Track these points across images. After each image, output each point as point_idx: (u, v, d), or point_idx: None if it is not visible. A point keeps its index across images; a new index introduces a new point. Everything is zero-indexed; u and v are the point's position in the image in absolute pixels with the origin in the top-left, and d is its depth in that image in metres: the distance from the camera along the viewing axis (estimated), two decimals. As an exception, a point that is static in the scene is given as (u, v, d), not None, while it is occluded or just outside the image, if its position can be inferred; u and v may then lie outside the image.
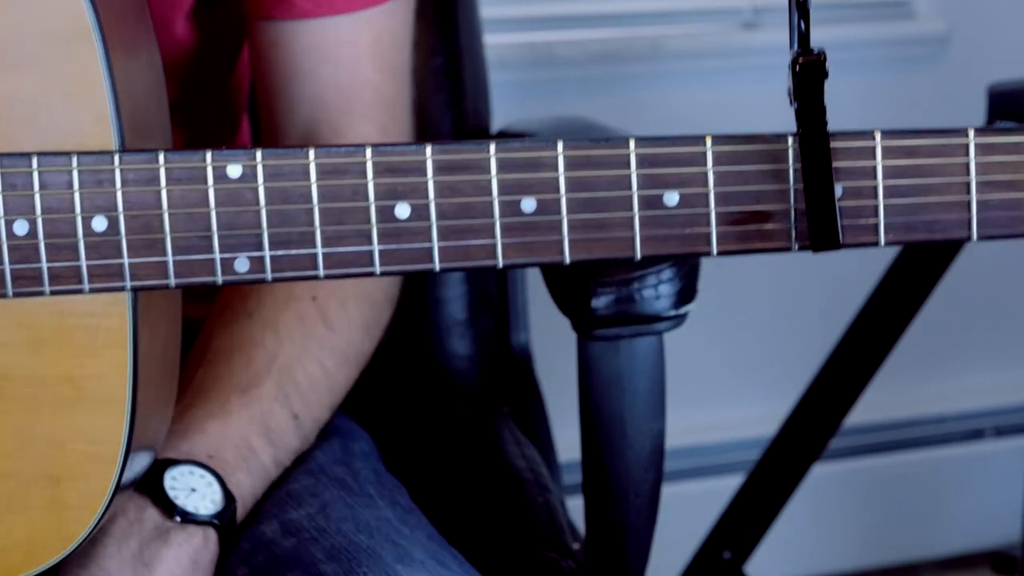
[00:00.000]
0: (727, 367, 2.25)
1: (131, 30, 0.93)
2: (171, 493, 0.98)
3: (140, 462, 0.94)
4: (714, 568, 1.94)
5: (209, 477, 1.00)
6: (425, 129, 1.28)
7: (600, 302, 1.11)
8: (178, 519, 0.98)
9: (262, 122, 1.21)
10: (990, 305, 2.34)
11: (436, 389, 1.53)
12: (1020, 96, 1.66)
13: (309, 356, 1.08)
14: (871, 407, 2.05)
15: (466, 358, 1.54)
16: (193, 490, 0.99)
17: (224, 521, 0.99)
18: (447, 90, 1.53)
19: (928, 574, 2.40)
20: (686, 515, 1.99)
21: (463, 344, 1.53)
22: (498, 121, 1.59)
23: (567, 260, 0.84)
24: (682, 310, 1.14)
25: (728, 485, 1.98)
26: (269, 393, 1.05)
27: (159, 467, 0.99)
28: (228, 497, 1.00)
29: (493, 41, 1.64)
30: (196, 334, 1.11)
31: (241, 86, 1.34)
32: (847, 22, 2.20)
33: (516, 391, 1.56)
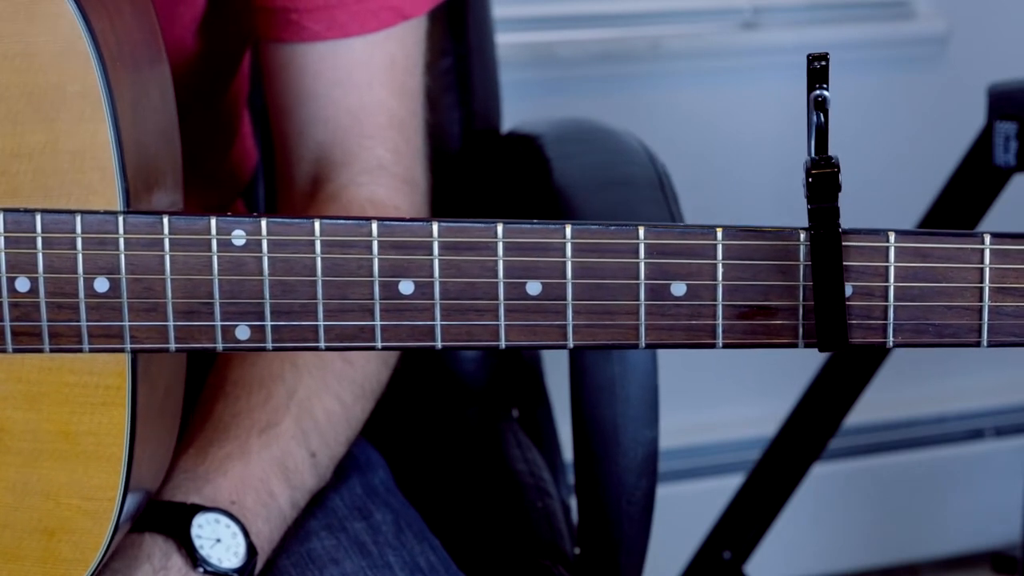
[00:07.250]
0: (727, 366, 2.24)
1: (145, 73, 0.92)
2: (197, 542, 0.98)
3: (135, 508, 0.94)
4: (714, 568, 1.94)
5: (234, 527, 0.99)
6: (431, 129, 1.27)
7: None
8: (201, 570, 0.98)
9: (275, 142, 1.19)
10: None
11: (444, 390, 1.52)
12: (1020, 96, 1.65)
13: (327, 390, 1.07)
14: (871, 407, 2.05)
15: (474, 360, 1.53)
16: (218, 540, 0.98)
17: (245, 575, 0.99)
18: (455, 91, 1.52)
19: (928, 574, 2.40)
20: (686, 515, 2.00)
21: (471, 345, 1.52)
22: (504, 122, 1.57)
23: (570, 345, 0.83)
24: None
25: (728, 485, 1.99)
26: (288, 432, 1.05)
27: (187, 512, 0.99)
28: (251, 550, 0.99)
29: (493, 41, 1.63)
30: None
31: (241, 90, 1.33)
32: (847, 22, 2.18)
33: (524, 394, 1.56)
